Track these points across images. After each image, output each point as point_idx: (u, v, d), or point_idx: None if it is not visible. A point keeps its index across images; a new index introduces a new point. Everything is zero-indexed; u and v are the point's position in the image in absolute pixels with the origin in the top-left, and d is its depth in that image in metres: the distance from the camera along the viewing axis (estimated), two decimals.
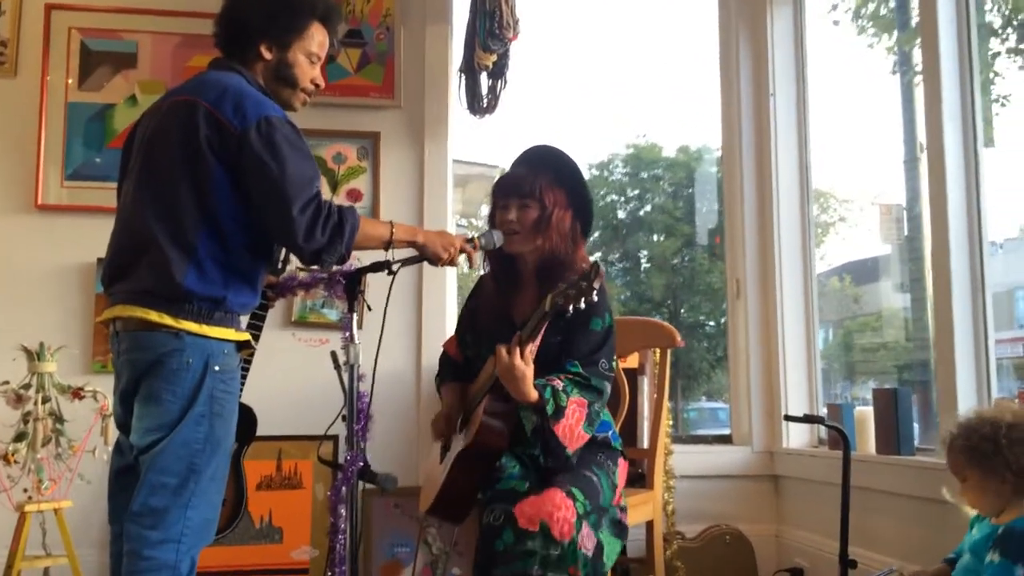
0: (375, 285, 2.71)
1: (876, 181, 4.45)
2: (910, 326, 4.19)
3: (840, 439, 2.80)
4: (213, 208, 2.06)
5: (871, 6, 4.48)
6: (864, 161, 4.45)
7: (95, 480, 2.95)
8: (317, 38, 2.29)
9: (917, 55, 3.20)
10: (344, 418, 2.41)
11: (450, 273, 3.73)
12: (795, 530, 3.66)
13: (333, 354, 2.62)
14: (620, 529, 2.40)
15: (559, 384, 2.36)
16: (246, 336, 2.18)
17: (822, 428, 3.59)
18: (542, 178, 2.56)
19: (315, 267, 2.32)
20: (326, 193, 3.58)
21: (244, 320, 2.28)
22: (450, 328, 3.58)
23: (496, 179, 2.73)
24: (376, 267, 2.45)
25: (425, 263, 2.44)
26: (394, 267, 2.39)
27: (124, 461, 2.15)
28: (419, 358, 3.62)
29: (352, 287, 2.49)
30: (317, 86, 2.33)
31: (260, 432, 3.02)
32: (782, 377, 3.79)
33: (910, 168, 3.71)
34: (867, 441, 3.22)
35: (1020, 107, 3.43)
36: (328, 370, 2.65)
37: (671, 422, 3.41)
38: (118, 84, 3.63)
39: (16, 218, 3.52)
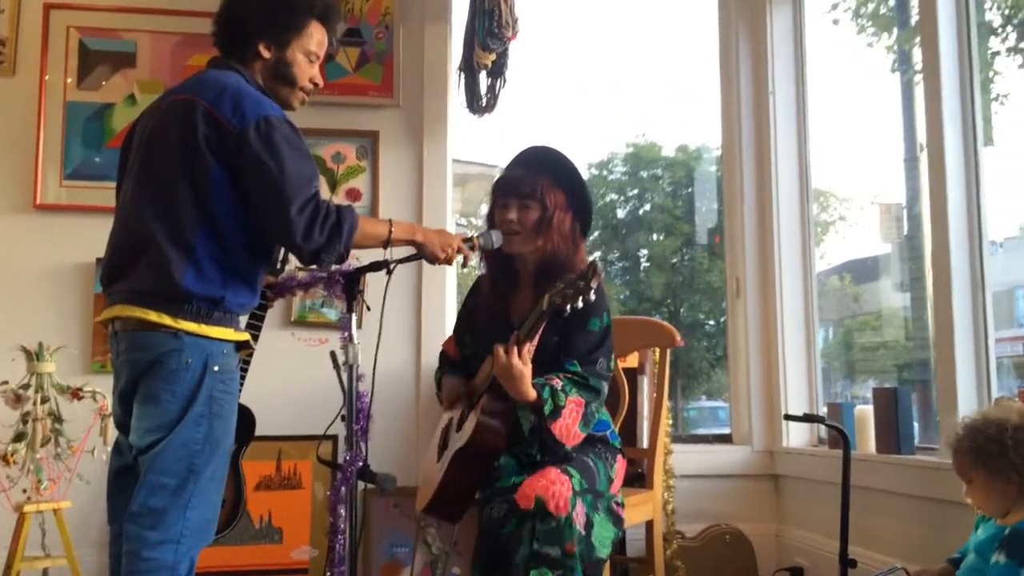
0: (374, 285, 2.71)
1: (876, 180, 4.45)
2: (910, 325, 4.19)
3: (840, 438, 2.80)
4: (211, 207, 2.05)
5: (871, 5, 4.47)
6: (864, 160, 4.45)
7: (94, 480, 2.95)
8: (316, 37, 2.28)
9: (917, 54, 3.20)
10: (343, 418, 2.41)
11: (450, 273, 3.73)
12: (795, 529, 3.66)
13: (332, 354, 2.62)
14: (616, 519, 2.40)
15: (558, 383, 2.36)
16: (245, 336, 2.17)
17: (822, 427, 3.59)
18: (542, 179, 2.55)
19: (314, 267, 2.32)
20: (325, 192, 3.57)
21: (243, 320, 2.28)
22: (450, 328, 3.57)
23: (495, 179, 2.73)
24: (375, 267, 2.45)
25: (424, 262, 2.44)
26: (391, 266, 2.39)
27: (123, 461, 2.14)
28: (418, 358, 3.62)
29: (351, 287, 2.48)
30: (316, 85, 2.33)
31: (260, 432, 3.02)
32: (782, 376, 3.78)
33: (910, 167, 3.71)
34: (867, 440, 3.21)
35: (1020, 106, 3.43)
36: (328, 370, 2.65)
37: (671, 421, 3.40)
38: (117, 83, 3.63)
39: (15, 218, 3.51)
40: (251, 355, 2.48)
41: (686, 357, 8.60)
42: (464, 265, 2.46)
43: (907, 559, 2.81)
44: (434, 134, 3.76)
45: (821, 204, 5.70)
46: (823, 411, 3.71)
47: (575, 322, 2.42)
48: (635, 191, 10.20)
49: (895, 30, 4.20)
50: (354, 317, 2.46)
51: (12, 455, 2.85)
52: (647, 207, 10.17)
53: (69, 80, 3.59)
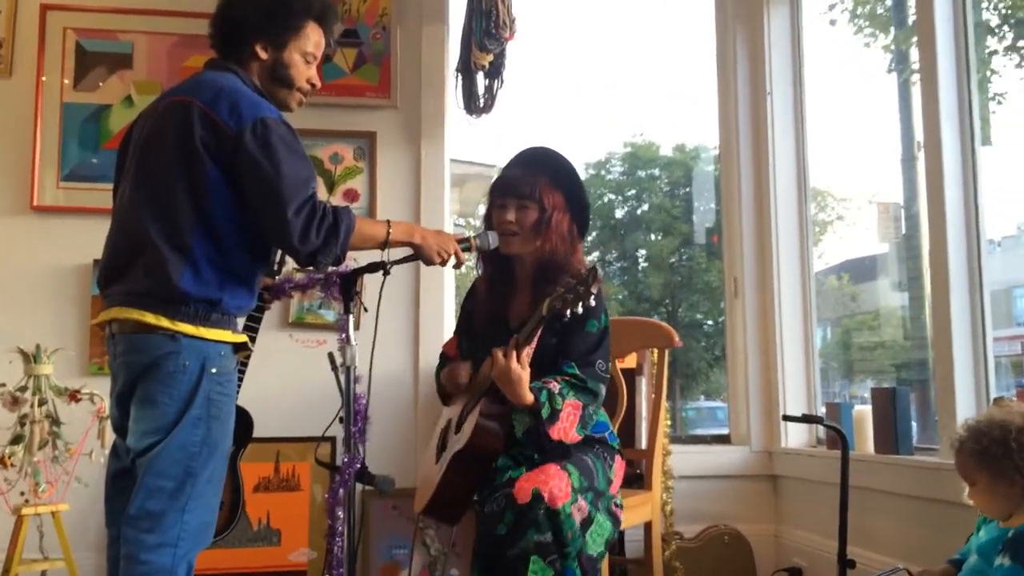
0: (372, 286, 2.70)
1: (874, 180, 4.46)
2: (908, 324, 4.19)
3: (838, 439, 2.80)
4: (208, 209, 2.05)
5: (868, 5, 4.48)
6: (862, 160, 4.45)
7: (92, 483, 2.94)
8: (313, 38, 2.28)
9: (914, 54, 3.20)
10: (341, 420, 2.41)
11: (448, 274, 3.72)
12: (794, 530, 3.66)
13: (330, 355, 2.61)
14: (614, 518, 2.40)
15: (555, 387, 2.35)
16: (243, 338, 2.17)
17: (820, 428, 3.59)
18: (540, 179, 2.55)
19: (311, 268, 2.31)
20: (322, 194, 3.57)
21: (241, 322, 2.27)
22: (448, 330, 3.57)
23: (493, 179, 2.72)
24: (372, 268, 2.44)
25: (421, 262, 2.43)
26: (388, 267, 2.38)
27: (121, 464, 2.14)
28: (416, 360, 3.61)
29: (348, 288, 2.48)
30: (313, 86, 2.32)
31: (258, 433, 3.01)
32: (780, 376, 3.78)
33: (907, 167, 3.71)
34: (865, 440, 3.21)
35: (1017, 105, 3.43)
36: (326, 371, 2.64)
37: (669, 422, 3.40)
38: (114, 84, 3.62)
39: (12, 219, 3.51)
40: (249, 357, 2.47)
41: (684, 357, 8.61)
42: (457, 266, 2.45)
43: (906, 559, 2.81)
44: (431, 135, 3.76)
45: (819, 204, 5.71)
46: (821, 411, 3.71)
47: (574, 324, 2.42)
48: (633, 191, 10.22)
49: (892, 30, 4.20)
50: (351, 319, 2.46)
51: (10, 458, 2.84)
52: (645, 207, 10.18)
53: (66, 81, 3.59)
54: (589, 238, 9.57)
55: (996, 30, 3.59)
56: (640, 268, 10.13)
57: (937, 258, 2.87)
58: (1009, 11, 3.65)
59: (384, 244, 2.25)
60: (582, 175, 2.69)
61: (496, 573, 2.22)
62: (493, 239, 2.52)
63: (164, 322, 2.00)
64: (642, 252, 10.11)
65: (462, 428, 2.45)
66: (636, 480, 3.04)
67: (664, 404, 3.06)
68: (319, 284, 3.00)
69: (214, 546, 2.34)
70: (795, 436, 3.75)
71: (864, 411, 3.24)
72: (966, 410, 2.74)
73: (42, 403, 2.90)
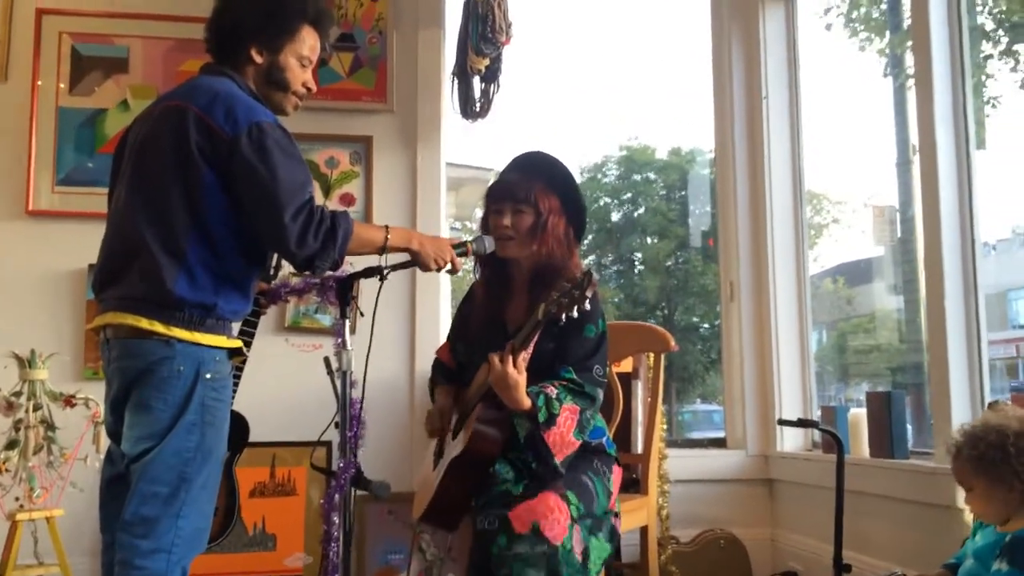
0: (368, 291, 2.69)
1: (869, 183, 4.47)
2: (903, 328, 4.20)
3: (834, 443, 2.80)
4: (204, 214, 2.04)
5: (863, 9, 4.49)
6: (857, 163, 4.46)
7: (87, 488, 2.93)
8: (308, 41, 2.27)
9: (909, 58, 3.21)
10: (337, 425, 2.40)
11: (444, 279, 3.73)
12: (789, 534, 3.66)
13: (326, 360, 2.60)
14: (612, 535, 2.40)
15: (552, 391, 2.35)
16: (238, 343, 2.16)
17: (816, 432, 3.59)
18: (536, 183, 2.55)
19: (308, 273, 2.31)
20: (319, 198, 3.57)
21: (236, 327, 2.27)
22: (444, 335, 3.56)
23: (489, 183, 2.72)
24: (368, 272, 2.43)
25: (417, 268, 2.42)
26: (385, 273, 2.38)
27: (115, 470, 2.13)
28: (412, 364, 3.61)
29: (344, 293, 2.47)
30: (309, 90, 2.32)
31: (254, 438, 3.01)
32: (776, 380, 3.79)
33: (903, 170, 3.72)
34: (861, 444, 3.22)
35: (1012, 109, 3.45)
36: (322, 376, 2.63)
37: (665, 426, 3.40)
38: (109, 89, 3.62)
39: (7, 224, 3.51)
40: (244, 362, 2.47)
41: (681, 360, 8.62)
42: (453, 272, 2.45)
43: (901, 564, 2.82)
44: (428, 139, 3.76)
45: (815, 207, 5.73)
46: (817, 415, 3.71)
47: (571, 329, 2.41)
48: (629, 194, 10.23)
49: (887, 34, 4.21)
50: (348, 323, 2.45)
51: (4, 463, 2.83)
52: (641, 210, 10.19)
53: (61, 85, 3.59)
54: (585, 242, 9.59)
55: (991, 35, 3.61)
56: (636, 271, 10.13)
57: (932, 261, 2.87)
58: (1004, 16, 3.66)
59: (382, 249, 2.24)
60: (578, 179, 2.69)
61: None
62: (489, 243, 2.52)
63: (159, 327, 2.00)
64: (638, 255, 10.12)
65: (459, 434, 2.45)
66: (632, 485, 3.04)
67: (660, 408, 3.06)
68: (315, 289, 3.00)
69: (209, 551, 2.33)
70: (791, 440, 3.75)
71: (859, 415, 3.25)
72: (961, 413, 2.74)
73: (37, 408, 2.90)
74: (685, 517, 3.60)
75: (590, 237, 9.68)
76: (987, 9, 3.66)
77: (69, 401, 2.94)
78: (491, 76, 3.58)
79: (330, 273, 2.31)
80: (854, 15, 4.54)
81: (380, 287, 2.40)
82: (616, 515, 2.46)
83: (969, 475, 2.07)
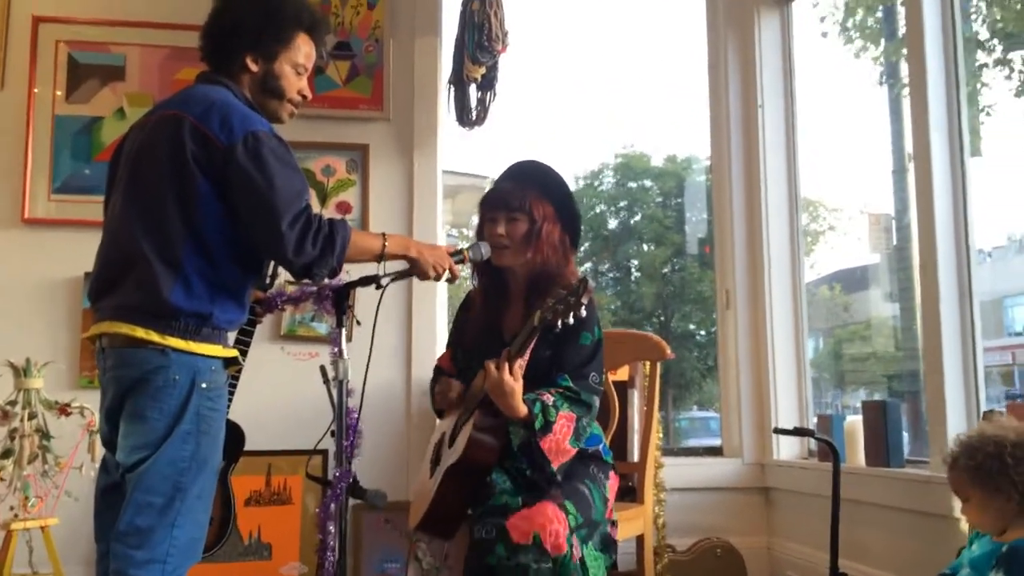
0: (364, 299, 2.69)
1: (865, 190, 4.48)
2: (899, 335, 4.20)
3: (830, 451, 2.80)
4: (199, 223, 2.04)
5: (858, 17, 4.50)
6: (853, 170, 4.47)
7: (82, 497, 2.93)
8: (303, 49, 2.28)
9: (904, 66, 3.22)
10: (333, 434, 2.40)
11: (440, 288, 3.72)
12: (786, 542, 3.66)
13: (322, 368, 2.60)
14: (609, 544, 2.40)
15: (549, 399, 2.35)
16: (233, 353, 2.16)
17: (812, 440, 3.59)
18: (530, 192, 2.56)
19: (306, 281, 2.31)
20: (315, 206, 3.56)
21: (232, 336, 2.26)
22: (440, 343, 3.57)
23: (484, 193, 2.73)
24: (365, 281, 2.43)
25: (414, 277, 2.42)
26: (383, 282, 2.37)
27: (110, 479, 2.12)
28: (409, 373, 3.61)
29: (340, 301, 2.47)
30: (304, 97, 2.32)
31: (249, 446, 3.00)
32: (772, 388, 3.79)
33: (898, 178, 3.73)
34: (857, 453, 3.22)
35: (1007, 117, 3.46)
36: (318, 384, 2.63)
37: (661, 434, 3.40)
38: (106, 97, 3.62)
39: (2, 232, 3.50)
40: (240, 371, 2.47)
41: (677, 367, 8.62)
42: (452, 280, 2.45)
43: (897, 573, 2.82)
44: (424, 147, 3.76)
45: (811, 214, 5.73)
46: (813, 422, 3.71)
47: (567, 336, 2.42)
48: (625, 202, 10.24)
49: (883, 41, 4.23)
50: (344, 332, 2.45)
51: None
52: (637, 217, 10.20)
53: (58, 93, 3.59)
54: (582, 249, 9.60)
55: (986, 44, 3.62)
56: (633, 278, 10.14)
57: (927, 269, 2.88)
58: (1000, 24, 3.67)
59: (380, 257, 2.24)
60: (574, 186, 2.70)
61: None
62: (486, 250, 2.52)
63: (154, 336, 1.99)
64: (635, 262, 10.12)
65: (456, 442, 2.45)
66: (628, 493, 3.04)
67: (656, 416, 3.06)
68: (311, 298, 2.99)
69: (204, 561, 2.33)
70: (787, 448, 3.75)
71: (855, 423, 3.25)
72: (957, 420, 2.75)
73: (32, 417, 2.89)
74: (681, 526, 3.59)
75: (586, 244, 9.68)
76: (981, 18, 3.67)
77: (64, 410, 2.93)
78: (487, 84, 3.59)
79: (327, 281, 2.31)
80: (849, 23, 4.55)
81: (380, 298, 2.40)
82: (613, 523, 2.46)
83: (966, 485, 2.06)
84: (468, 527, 2.41)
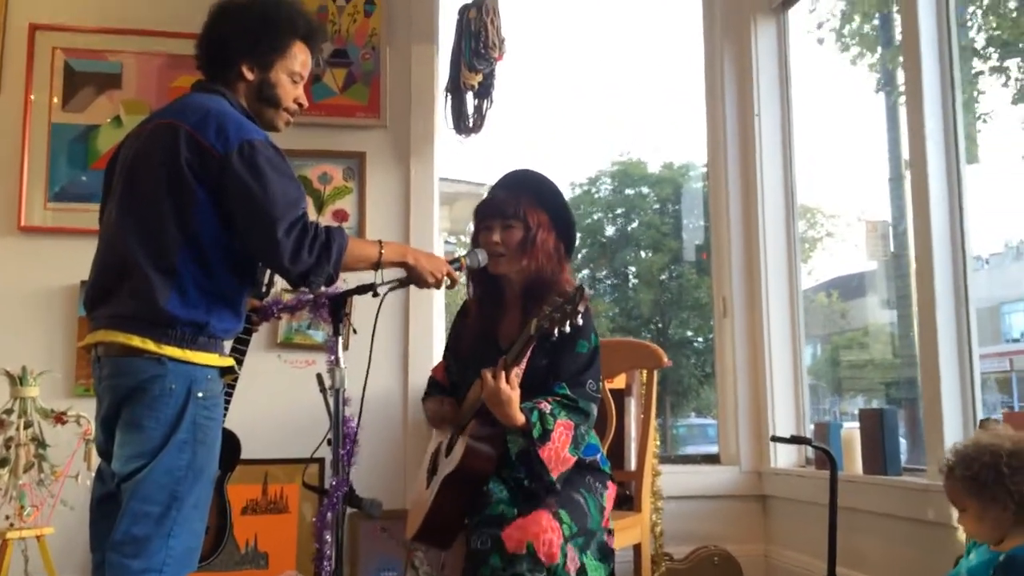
0: (361, 307, 2.69)
1: (862, 197, 4.49)
2: (897, 342, 4.21)
3: (827, 459, 2.80)
4: (195, 232, 2.04)
5: (855, 24, 4.51)
6: (850, 178, 4.48)
7: (78, 506, 2.90)
8: (300, 58, 2.27)
9: (901, 73, 3.23)
10: (329, 442, 2.39)
11: (437, 295, 3.72)
12: (783, 550, 3.65)
13: (319, 376, 2.59)
14: (606, 553, 2.39)
15: (546, 407, 2.35)
16: (230, 361, 2.15)
17: (810, 448, 3.59)
18: (524, 200, 2.57)
19: (303, 289, 2.30)
20: (312, 214, 3.56)
21: (228, 345, 2.26)
22: (437, 351, 3.56)
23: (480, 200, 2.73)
24: (361, 289, 2.43)
25: (411, 285, 2.42)
26: (380, 290, 2.37)
27: (105, 488, 2.12)
28: (406, 381, 3.60)
29: (337, 310, 2.47)
30: (300, 106, 2.32)
31: (246, 455, 3.00)
32: (769, 396, 3.78)
33: (895, 185, 3.74)
34: (854, 460, 3.22)
35: (1004, 124, 3.46)
36: (314, 392, 2.62)
37: (659, 442, 3.40)
38: (102, 105, 3.61)
39: None
40: (236, 380, 2.46)
41: (675, 374, 8.62)
42: (451, 286, 2.45)
43: None
44: (421, 155, 3.76)
45: (808, 221, 5.74)
46: (810, 430, 3.71)
47: (564, 344, 2.42)
48: (622, 209, 10.24)
49: (879, 49, 4.23)
50: (340, 340, 2.44)
51: None
52: (635, 224, 10.20)
53: (55, 101, 3.58)
54: (579, 256, 9.61)
55: (981, 52, 3.63)
56: (631, 285, 10.14)
57: (923, 276, 2.88)
58: (996, 32, 3.68)
59: (376, 265, 2.24)
60: (572, 193, 2.70)
61: None
62: (483, 256, 2.53)
63: (150, 345, 1.99)
64: (632, 269, 10.13)
65: (452, 451, 2.44)
66: (625, 502, 3.03)
67: (653, 425, 3.06)
68: (308, 306, 2.99)
69: (201, 570, 2.32)
70: (784, 456, 3.75)
71: (853, 431, 3.25)
72: (953, 427, 2.75)
73: (28, 425, 2.88)
74: (679, 534, 3.58)
75: (584, 251, 9.68)
76: (977, 26, 3.68)
77: (60, 418, 2.92)
78: (484, 92, 3.59)
79: (323, 290, 2.30)
80: (846, 30, 4.56)
81: (379, 306, 2.39)
82: (610, 532, 2.45)
83: (962, 495, 2.06)
84: (465, 537, 2.41)
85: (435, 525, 2.39)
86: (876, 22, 4.39)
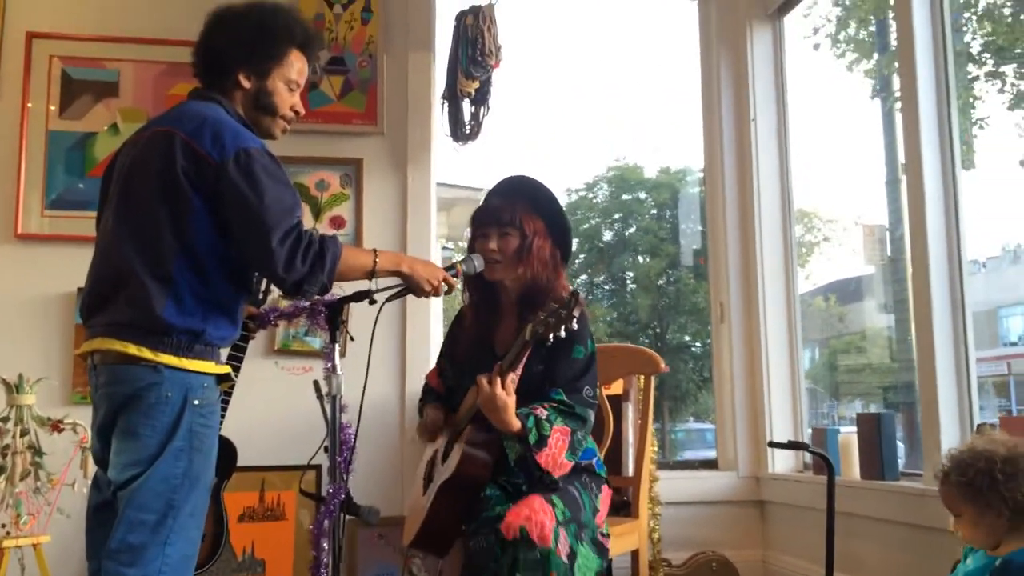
0: (358, 314, 2.69)
1: (859, 202, 4.49)
2: (894, 346, 4.21)
3: (825, 465, 2.80)
4: (191, 240, 2.04)
5: (850, 30, 4.52)
6: (848, 182, 4.48)
7: (74, 514, 2.89)
8: (296, 65, 2.27)
9: (897, 79, 3.24)
10: (326, 449, 2.39)
11: (435, 302, 3.72)
12: (781, 556, 3.65)
13: (316, 383, 2.59)
14: (600, 549, 2.38)
15: (542, 413, 2.35)
16: (226, 369, 2.15)
17: (807, 453, 3.58)
18: (520, 207, 2.57)
19: (298, 297, 2.30)
20: (308, 221, 3.56)
21: (224, 353, 2.26)
22: (434, 356, 3.55)
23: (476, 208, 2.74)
24: (358, 297, 2.43)
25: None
26: (377, 298, 2.37)
27: (102, 497, 2.11)
28: (403, 387, 3.60)
29: (334, 317, 2.47)
30: (297, 113, 2.32)
31: (243, 462, 2.99)
32: (767, 401, 3.79)
33: (892, 189, 3.74)
34: (852, 466, 3.22)
35: (1000, 129, 3.47)
36: (311, 399, 2.62)
37: (656, 447, 3.40)
38: (99, 112, 3.62)
39: None
40: (232, 388, 2.46)
41: (673, 379, 8.61)
42: (448, 292, 2.45)
43: None
44: (418, 162, 3.76)
45: (806, 225, 5.74)
46: (808, 435, 3.71)
47: (560, 350, 2.42)
48: (619, 214, 10.25)
49: (875, 54, 4.24)
50: (337, 347, 2.44)
51: None
52: (632, 229, 10.20)
53: (52, 108, 3.59)
54: (576, 261, 9.61)
55: (977, 57, 3.63)
56: (628, 290, 10.14)
57: (919, 280, 2.89)
58: (992, 38, 3.69)
59: (371, 274, 2.24)
60: (569, 199, 2.71)
61: None
62: (479, 262, 2.53)
63: (147, 353, 1.99)
64: (630, 274, 10.13)
65: (449, 457, 2.44)
66: (623, 507, 3.03)
67: (651, 430, 3.06)
68: (305, 313, 2.99)
69: None
70: (782, 461, 3.75)
71: (850, 436, 3.25)
72: (950, 431, 2.75)
73: (24, 433, 2.87)
74: (677, 540, 3.58)
75: (582, 257, 9.69)
76: (972, 32, 3.69)
77: (57, 426, 2.91)
78: (481, 99, 3.60)
79: (319, 298, 2.30)
80: (841, 36, 4.56)
81: (377, 315, 2.39)
82: (605, 535, 2.44)
83: (957, 501, 2.06)
84: (462, 543, 2.40)
85: (432, 531, 2.39)
86: (872, 28, 4.40)
